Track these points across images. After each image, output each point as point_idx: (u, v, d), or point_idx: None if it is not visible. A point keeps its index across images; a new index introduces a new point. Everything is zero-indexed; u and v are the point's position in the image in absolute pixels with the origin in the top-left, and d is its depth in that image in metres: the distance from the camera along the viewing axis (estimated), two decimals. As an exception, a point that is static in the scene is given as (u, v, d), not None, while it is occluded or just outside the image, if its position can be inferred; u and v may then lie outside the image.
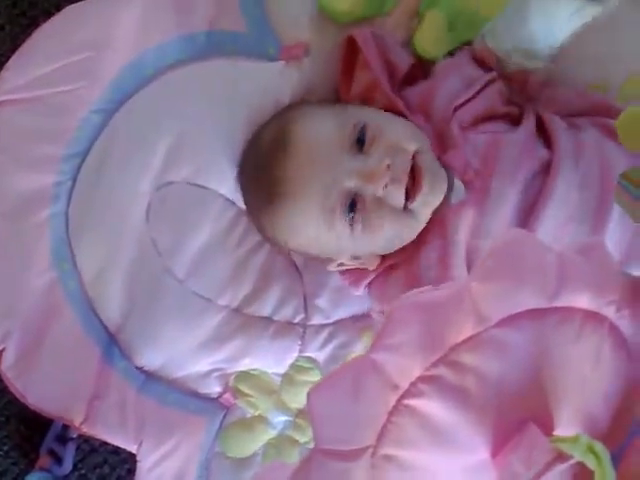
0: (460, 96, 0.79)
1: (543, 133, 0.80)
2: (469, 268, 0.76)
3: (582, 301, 0.51)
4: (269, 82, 0.85)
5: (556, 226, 0.75)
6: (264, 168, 0.78)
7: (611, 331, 0.53)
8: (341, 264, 0.82)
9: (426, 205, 0.76)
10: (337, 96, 0.87)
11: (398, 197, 0.75)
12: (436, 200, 0.77)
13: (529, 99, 0.85)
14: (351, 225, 0.75)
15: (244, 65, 0.86)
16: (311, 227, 0.77)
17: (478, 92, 0.80)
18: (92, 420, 0.85)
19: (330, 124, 0.77)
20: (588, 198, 0.76)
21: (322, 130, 0.77)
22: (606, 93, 0.85)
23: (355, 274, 0.83)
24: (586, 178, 0.76)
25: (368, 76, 0.83)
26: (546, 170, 0.77)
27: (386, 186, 0.74)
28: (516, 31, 0.82)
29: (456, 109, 0.79)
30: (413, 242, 0.78)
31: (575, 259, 0.51)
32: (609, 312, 0.53)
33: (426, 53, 0.85)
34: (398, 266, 0.80)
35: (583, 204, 0.76)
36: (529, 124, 0.79)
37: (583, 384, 0.52)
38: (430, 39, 0.85)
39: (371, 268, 0.81)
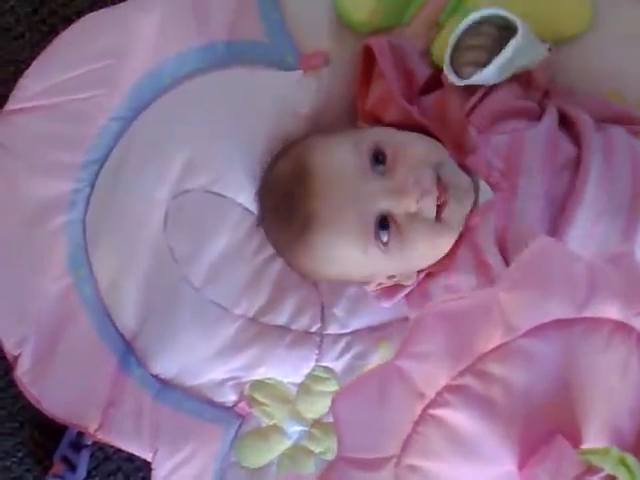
0: (468, 102, 0.79)
1: (569, 129, 0.79)
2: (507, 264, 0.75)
3: (611, 311, 0.50)
4: (287, 91, 0.85)
5: (588, 223, 0.74)
6: (288, 206, 0.77)
7: (639, 342, 0.53)
8: (379, 284, 0.81)
9: (457, 212, 0.76)
10: (355, 106, 0.86)
11: (430, 209, 0.74)
12: (466, 206, 0.76)
13: (546, 95, 0.84)
14: (385, 245, 0.74)
15: (262, 74, 0.86)
16: (346, 258, 0.76)
17: (487, 93, 0.79)
18: (107, 427, 0.84)
19: (345, 149, 0.76)
20: (621, 194, 0.74)
21: (339, 157, 0.76)
22: (623, 103, 0.84)
23: (387, 290, 0.82)
24: (618, 174, 0.75)
25: (384, 86, 0.82)
26: (574, 166, 0.76)
27: (418, 201, 0.73)
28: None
29: (469, 112, 0.78)
30: (447, 256, 0.78)
31: (604, 268, 0.50)
32: (637, 323, 0.52)
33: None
34: (435, 275, 0.79)
35: (615, 200, 0.74)
36: (551, 117, 0.78)
37: (610, 396, 0.52)
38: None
39: (408, 284, 0.80)
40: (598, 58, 0.85)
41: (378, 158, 0.75)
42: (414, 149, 0.76)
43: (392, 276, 0.80)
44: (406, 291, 0.81)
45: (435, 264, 0.79)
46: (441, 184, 0.74)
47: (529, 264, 0.48)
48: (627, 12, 0.85)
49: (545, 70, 0.82)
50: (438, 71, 0.84)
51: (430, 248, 0.76)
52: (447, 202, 0.74)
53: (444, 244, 0.77)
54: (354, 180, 0.74)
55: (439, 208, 0.74)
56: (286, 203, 0.77)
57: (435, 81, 0.84)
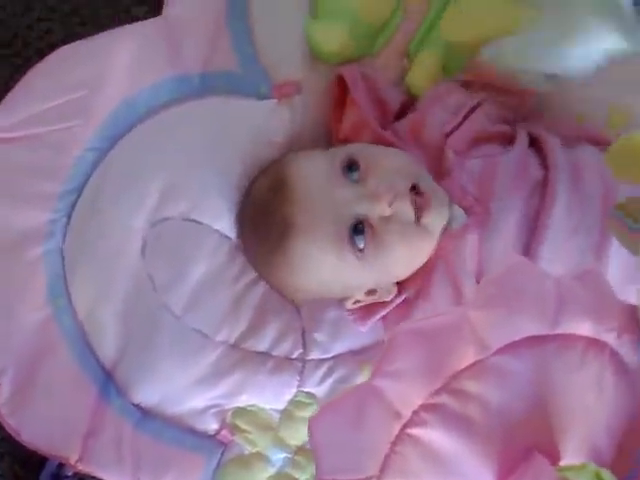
0: (449, 123, 0.80)
1: (537, 150, 0.81)
2: None
3: (583, 328, 0.51)
4: (261, 120, 0.86)
5: (559, 242, 0.75)
6: (265, 217, 0.78)
7: (612, 358, 0.53)
8: (357, 301, 0.81)
9: (437, 218, 0.76)
10: (329, 134, 0.88)
11: (407, 211, 0.75)
12: (445, 213, 0.77)
13: (523, 119, 0.86)
14: (361, 252, 0.75)
15: (237, 103, 0.86)
16: (324, 266, 0.77)
17: (465, 117, 0.81)
18: (88, 458, 0.83)
19: (320, 161, 0.78)
20: (592, 212, 0.76)
21: (314, 168, 0.78)
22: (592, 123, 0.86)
23: (363, 311, 0.83)
24: (588, 193, 0.77)
25: (357, 113, 0.84)
26: (543, 187, 0.77)
27: (391, 204, 0.74)
28: (539, 51, 0.81)
29: (447, 136, 0.80)
30: (424, 272, 0.78)
31: (573, 286, 0.51)
32: (609, 339, 0.53)
33: (421, 92, 0.87)
34: (413, 301, 0.80)
35: (587, 219, 0.76)
36: (522, 142, 0.80)
37: (587, 413, 0.52)
38: (426, 79, 0.87)
39: (388, 299, 0.80)
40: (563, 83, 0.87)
41: (351, 167, 0.76)
42: (388, 160, 0.77)
43: (371, 291, 0.80)
44: (382, 313, 0.81)
45: (412, 283, 0.79)
46: (418, 191, 0.75)
47: (499, 282, 0.49)
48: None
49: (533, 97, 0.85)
50: (412, 100, 0.86)
51: (407, 251, 0.76)
52: (428, 205, 0.75)
53: (421, 248, 0.77)
54: (328, 187, 0.76)
55: (419, 212, 0.75)
56: (263, 215, 0.79)
57: (407, 111, 0.86)
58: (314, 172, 0.78)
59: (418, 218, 0.75)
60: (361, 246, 0.75)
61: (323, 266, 0.77)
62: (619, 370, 0.53)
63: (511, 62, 0.82)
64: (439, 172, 0.79)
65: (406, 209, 0.75)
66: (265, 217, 0.78)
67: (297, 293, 0.84)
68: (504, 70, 0.83)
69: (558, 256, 0.75)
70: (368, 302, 0.82)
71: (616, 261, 0.74)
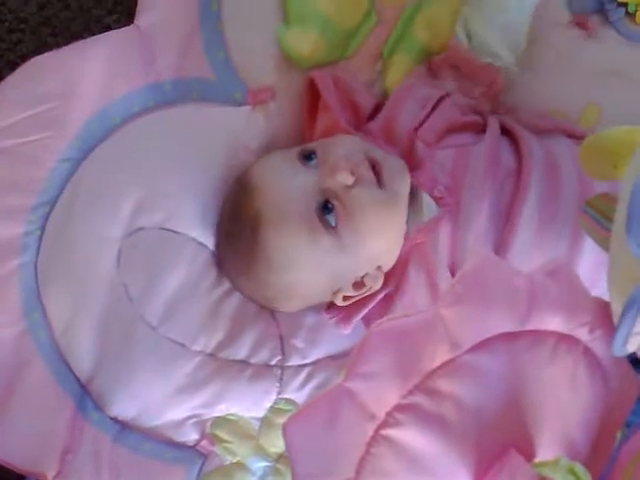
0: (418, 116, 0.80)
1: (510, 140, 0.81)
2: None
3: (554, 323, 0.51)
4: (236, 127, 0.86)
5: (532, 233, 0.75)
6: (235, 222, 0.78)
7: (585, 354, 0.54)
8: (346, 297, 0.80)
9: (398, 179, 0.76)
10: (304, 139, 0.88)
11: (368, 175, 0.75)
12: (405, 177, 0.77)
13: (493, 105, 0.86)
14: (334, 229, 0.75)
15: (211, 110, 0.87)
16: (301, 255, 0.76)
17: (433, 109, 0.81)
18: (66, 473, 0.82)
19: (279, 157, 0.80)
20: (567, 203, 0.76)
21: (275, 164, 0.79)
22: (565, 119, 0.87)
23: (345, 311, 0.82)
24: (563, 183, 0.77)
25: (329, 116, 0.84)
26: (516, 177, 0.77)
27: (352, 172, 0.74)
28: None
29: (418, 127, 0.80)
30: (400, 266, 0.78)
31: (544, 282, 0.51)
32: (582, 334, 0.53)
33: None
34: (391, 298, 0.80)
35: (562, 210, 0.76)
36: (493, 131, 0.80)
37: (560, 408, 0.52)
38: (400, 81, 0.87)
39: (377, 287, 0.79)
40: (535, 81, 0.88)
41: (309, 156, 0.77)
42: (341, 142, 0.78)
43: (359, 284, 0.79)
44: (364, 311, 0.81)
45: (391, 277, 0.79)
46: (373, 161, 0.76)
47: (469, 279, 0.49)
48: (562, 35, 0.88)
49: (501, 85, 0.85)
50: (385, 102, 0.86)
51: (379, 218, 0.75)
52: (385, 169, 0.76)
53: (392, 214, 0.76)
54: (290, 176, 0.76)
55: (377, 174, 0.75)
56: (233, 220, 0.79)
57: (380, 111, 0.86)
58: (275, 167, 0.79)
59: (380, 182, 0.75)
60: (333, 223, 0.74)
61: (301, 255, 0.76)
62: (592, 365, 0.54)
63: (478, 27, 0.83)
64: (412, 167, 0.79)
65: (367, 173, 0.75)
66: (235, 222, 0.79)
67: (277, 297, 0.82)
68: (474, 47, 0.84)
69: (531, 247, 0.76)
70: (358, 297, 0.80)
71: (589, 254, 0.75)
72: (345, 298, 0.80)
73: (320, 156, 0.77)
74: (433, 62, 0.86)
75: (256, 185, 0.78)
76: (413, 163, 0.79)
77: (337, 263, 0.77)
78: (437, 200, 0.77)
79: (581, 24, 0.88)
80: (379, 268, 0.79)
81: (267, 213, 0.76)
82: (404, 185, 0.77)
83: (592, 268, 0.72)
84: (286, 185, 0.76)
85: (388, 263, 0.79)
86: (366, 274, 0.79)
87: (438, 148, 0.79)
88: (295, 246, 0.76)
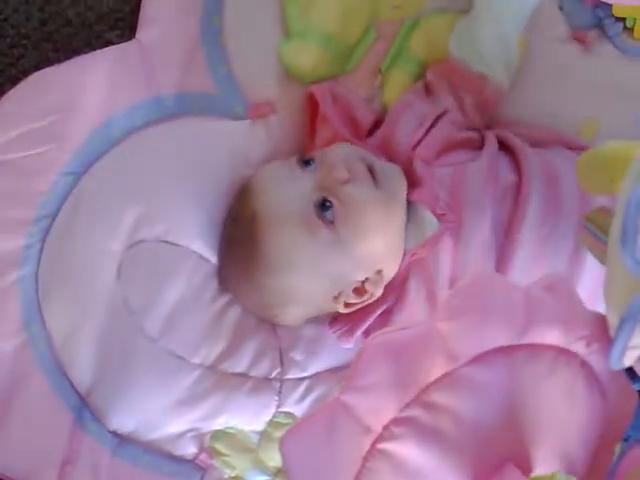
0: (415, 134, 0.81)
1: (508, 154, 0.81)
2: None
3: (552, 337, 0.51)
4: (237, 140, 0.87)
5: (533, 246, 0.75)
6: (234, 227, 0.79)
7: (582, 367, 0.53)
8: (348, 304, 0.79)
9: (393, 180, 0.77)
10: (303, 151, 0.88)
11: (364, 173, 0.76)
12: (401, 179, 0.78)
13: (488, 118, 0.86)
14: (332, 223, 0.75)
15: (212, 124, 0.87)
16: (300, 254, 0.76)
17: (431, 127, 0.82)
18: (64, 486, 0.82)
19: (277, 165, 0.81)
20: (568, 216, 0.76)
21: (274, 169, 0.80)
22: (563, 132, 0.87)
23: (345, 326, 0.81)
24: (563, 196, 0.77)
25: (329, 129, 0.84)
26: (516, 191, 0.77)
27: (347, 169, 0.75)
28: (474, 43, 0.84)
29: (416, 146, 0.80)
30: (400, 280, 0.78)
31: (542, 295, 0.51)
32: (579, 348, 0.53)
33: None
34: (391, 311, 0.80)
35: (563, 223, 0.76)
36: (490, 147, 0.81)
37: (558, 423, 0.52)
38: (398, 96, 0.87)
39: (378, 294, 0.79)
40: (533, 96, 0.88)
41: (308, 162, 0.78)
42: (338, 148, 0.79)
43: (360, 290, 0.78)
44: (367, 323, 0.80)
45: (391, 290, 0.78)
46: (369, 165, 0.77)
47: (467, 292, 0.49)
48: (560, 50, 0.88)
49: (496, 102, 0.85)
50: (384, 117, 0.86)
51: (377, 217, 0.75)
52: (380, 171, 0.77)
53: (390, 213, 0.76)
54: (288, 178, 0.77)
55: (373, 175, 0.76)
56: (233, 220, 0.81)
57: (379, 128, 0.86)
58: (274, 171, 0.80)
59: (376, 182, 0.76)
60: (330, 218, 0.75)
61: (299, 254, 0.76)
62: (590, 379, 0.53)
63: (472, 37, 0.83)
64: (411, 184, 0.79)
65: (363, 171, 0.76)
66: (234, 224, 0.80)
67: (287, 306, 0.81)
68: (466, 56, 0.84)
69: (532, 262, 0.75)
70: (360, 304, 0.79)
71: (590, 269, 0.75)
72: (347, 305, 0.79)
73: (318, 160, 0.78)
74: (427, 77, 0.87)
75: (254, 188, 0.79)
76: (413, 180, 0.79)
77: (336, 262, 0.76)
78: (439, 217, 0.77)
79: (579, 39, 0.88)
80: (379, 272, 0.78)
81: (264, 212, 0.76)
82: (400, 187, 0.78)
83: (594, 284, 0.72)
84: (284, 187, 0.77)
85: (388, 270, 0.79)
86: (366, 279, 0.78)
87: (436, 166, 0.80)
88: (293, 244, 0.76)
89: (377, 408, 0.47)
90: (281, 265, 0.77)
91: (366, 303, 0.79)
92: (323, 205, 0.75)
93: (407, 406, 0.48)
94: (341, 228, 0.75)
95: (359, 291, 0.79)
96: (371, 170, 0.77)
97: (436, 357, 0.48)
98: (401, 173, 0.79)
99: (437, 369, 0.48)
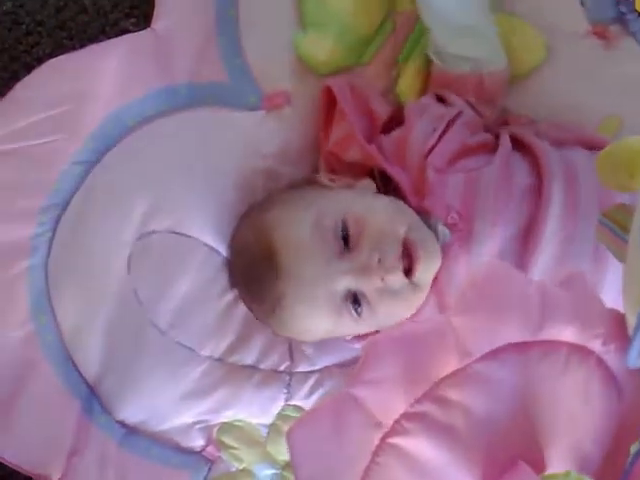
0: (428, 141, 0.79)
1: (526, 154, 0.79)
2: None
3: (567, 334, 0.50)
4: (250, 131, 0.86)
5: (555, 250, 0.74)
6: (258, 286, 0.77)
7: (598, 365, 0.52)
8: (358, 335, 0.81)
9: (427, 272, 0.76)
10: (317, 145, 0.87)
11: (398, 282, 0.74)
12: (435, 264, 0.76)
13: (504, 124, 0.85)
14: (359, 314, 0.75)
15: (226, 114, 0.86)
16: (320, 330, 0.78)
17: (443, 133, 0.80)
18: (71, 476, 0.82)
19: (308, 224, 0.75)
20: (588, 220, 0.74)
21: (303, 235, 0.75)
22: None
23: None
24: (583, 198, 0.75)
25: (345, 127, 0.83)
26: (535, 193, 0.76)
27: (383, 278, 0.73)
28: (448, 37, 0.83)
29: (428, 153, 0.79)
30: None
31: (557, 292, 0.50)
32: (595, 346, 0.52)
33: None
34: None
35: (583, 227, 0.74)
36: (504, 151, 0.79)
37: (573, 421, 0.51)
38: (414, 87, 0.87)
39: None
40: (554, 92, 0.87)
41: (342, 234, 0.74)
42: (379, 220, 0.75)
43: None
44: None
45: None
46: (408, 245, 0.74)
47: (481, 288, 0.48)
48: (580, 46, 0.87)
49: (501, 87, 0.84)
50: (401, 110, 0.85)
51: (403, 309, 0.77)
52: (418, 263, 0.74)
53: (417, 302, 0.77)
54: (320, 260, 0.74)
55: (410, 272, 0.74)
56: (256, 284, 0.78)
57: (396, 120, 0.85)
58: (303, 241, 0.74)
59: (411, 276, 0.75)
60: (358, 312, 0.75)
61: (319, 330, 0.78)
62: (606, 378, 0.52)
63: (441, 40, 0.82)
64: (423, 191, 0.78)
65: (396, 280, 0.74)
66: (258, 284, 0.78)
67: (306, 338, 0.84)
68: (449, 62, 0.83)
69: (553, 266, 0.74)
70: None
71: (614, 269, 0.73)
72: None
73: (353, 235, 0.74)
74: (431, 91, 0.86)
75: (283, 258, 0.74)
76: (425, 189, 0.78)
77: (355, 330, 0.79)
78: (450, 226, 0.76)
79: (600, 34, 0.87)
80: None
81: (293, 295, 0.75)
82: (431, 273, 0.76)
83: (617, 282, 0.71)
84: (317, 271, 0.74)
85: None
86: None
87: (449, 174, 0.78)
88: (317, 325, 0.77)
89: (387, 402, 0.46)
90: (298, 332, 0.80)
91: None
92: (353, 302, 0.75)
93: (418, 401, 0.47)
94: (366, 317, 0.75)
95: None
96: (408, 251, 0.74)
97: (449, 352, 0.47)
98: (436, 244, 0.76)
99: (450, 364, 0.47)
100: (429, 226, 0.77)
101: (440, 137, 0.79)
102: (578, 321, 0.50)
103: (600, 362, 0.52)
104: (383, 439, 0.47)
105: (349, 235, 0.74)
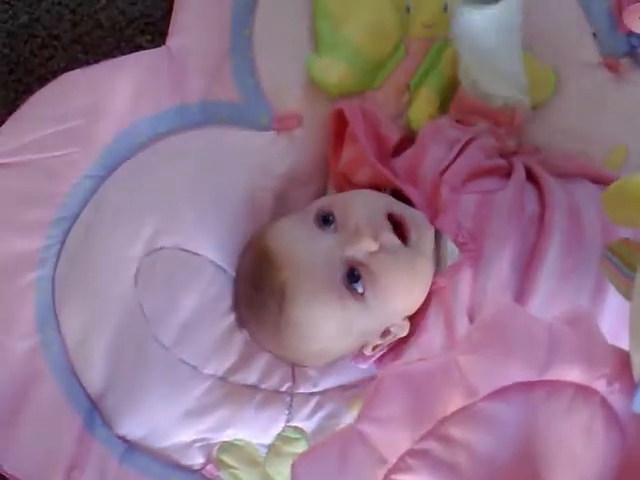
0: (444, 160, 0.80)
1: (534, 184, 0.80)
2: None
3: (572, 374, 0.50)
4: (260, 151, 0.87)
5: (554, 281, 0.74)
6: (258, 290, 0.77)
7: (602, 406, 0.52)
8: (376, 346, 0.79)
9: (422, 235, 0.76)
10: (327, 167, 0.88)
11: (391, 238, 0.74)
12: (429, 232, 0.76)
13: (518, 142, 0.86)
14: (362, 294, 0.74)
15: (236, 134, 0.87)
16: (330, 322, 0.75)
17: (459, 153, 0.80)
18: (70, 490, 0.82)
19: (295, 222, 0.77)
20: (590, 253, 0.74)
21: (292, 230, 0.77)
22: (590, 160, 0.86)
23: (361, 351, 0.80)
24: (586, 230, 0.76)
25: (356, 148, 0.83)
26: (538, 223, 0.76)
27: (375, 237, 0.73)
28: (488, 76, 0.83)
29: (444, 171, 0.79)
30: (418, 311, 0.77)
31: (564, 331, 0.51)
32: (600, 386, 0.52)
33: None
34: (407, 339, 0.79)
35: (584, 259, 0.74)
36: (518, 178, 0.79)
37: (575, 461, 0.51)
38: (425, 114, 0.87)
39: (403, 334, 0.78)
40: (562, 121, 0.87)
41: (327, 219, 0.75)
42: (360, 202, 0.77)
43: (386, 332, 0.78)
44: (382, 351, 0.80)
45: (410, 319, 0.78)
46: (395, 218, 0.75)
47: (489, 326, 0.48)
48: (590, 77, 0.87)
49: (524, 122, 0.84)
50: (411, 135, 0.86)
51: (405, 277, 0.74)
52: (408, 226, 0.75)
53: (418, 271, 0.75)
54: (311, 243, 0.74)
55: (403, 235, 0.74)
56: (255, 290, 0.77)
57: (405, 145, 0.85)
58: (293, 233, 0.76)
59: (404, 241, 0.75)
60: (360, 290, 0.73)
61: (329, 322, 0.75)
62: (609, 418, 0.52)
63: (480, 76, 0.83)
64: (435, 209, 0.78)
65: (390, 237, 0.74)
66: (258, 292, 0.77)
67: (314, 359, 0.81)
68: (481, 95, 0.83)
69: (552, 297, 0.74)
70: (385, 344, 0.79)
71: (613, 304, 0.73)
72: (373, 348, 0.79)
73: (339, 219, 0.75)
74: (452, 114, 0.86)
75: (277, 254, 0.75)
76: (437, 207, 0.78)
77: (364, 324, 0.76)
78: (460, 246, 0.76)
79: (611, 66, 0.88)
80: (406, 318, 0.78)
81: (293, 286, 0.74)
82: (428, 239, 0.76)
83: (616, 320, 0.71)
84: (308, 255, 0.74)
85: (413, 311, 0.78)
86: (392, 324, 0.78)
87: (463, 193, 0.78)
88: (324, 317, 0.75)
89: (393, 439, 0.47)
90: (310, 335, 0.76)
91: (390, 342, 0.79)
92: (351, 276, 0.73)
93: (423, 438, 0.47)
94: (370, 297, 0.74)
95: (384, 334, 0.78)
96: (398, 223, 0.75)
97: (454, 390, 0.47)
98: (426, 221, 0.77)
99: (455, 403, 0.47)
100: (440, 244, 0.77)
101: (456, 157, 0.80)
102: (584, 361, 0.50)
103: (604, 402, 0.52)
104: (387, 475, 0.47)
105: (335, 218, 0.75)
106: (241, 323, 0.84)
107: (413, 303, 0.77)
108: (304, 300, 0.74)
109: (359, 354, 0.81)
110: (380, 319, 0.76)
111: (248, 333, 0.84)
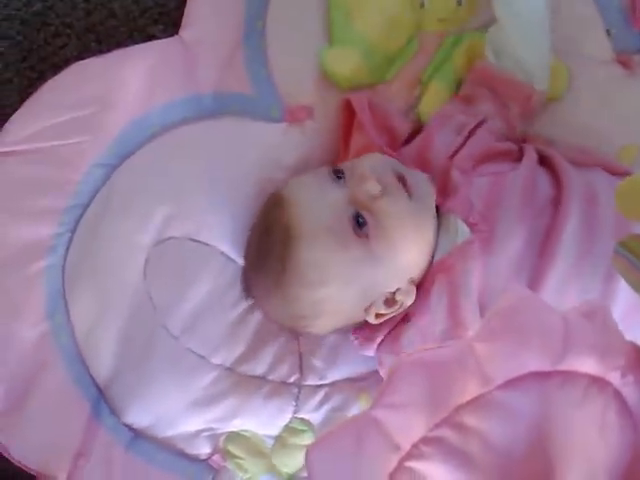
0: (453, 144, 0.80)
1: (548, 169, 0.80)
2: (482, 311, 0.73)
3: (587, 365, 0.50)
4: (271, 143, 0.87)
5: (569, 266, 0.74)
6: (266, 234, 0.77)
7: (615, 397, 0.52)
8: (378, 315, 0.77)
9: (425, 189, 0.76)
10: (338, 159, 0.88)
11: (396, 185, 0.75)
12: (431, 187, 0.77)
13: (528, 131, 0.85)
14: (367, 236, 0.73)
15: (248, 125, 0.87)
16: (334, 267, 0.74)
17: (468, 137, 0.80)
18: (76, 478, 0.82)
19: (308, 177, 0.79)
20: (603, 239, 0.74)
21: (305, 182, 0.78)
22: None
23: (366, 332, 0.80)
24: (601, 217, 0.75)
25: (364, 138, 0.84)
26: (554, 206, 0.76)
27: (379, 181, 0.74)
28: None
29: (453, 155, 0.79)
30: (424, 286, 0.77)
31: (580, 322, 0.51)
32: (614, 378, 0.52)
33: None
34: (408, 320, 0.77)
35: (598, 244, 0.74)
36: (530, 159, 0.79)
37: (589, 451, 0.51)
38: (436, 108, 0.87)
39: (409, 302, 0.77)
40: (574, 116, 0.87)
41: (339, 175, 0.77)
42: (367, 159, 0.78)
43: (391, 302, 0.77)
44: (384, 332, 0.78)
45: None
46: (398, 175, 0.76)
47: (505, 315, 0.48)
48: (603, 73, 0.87)
49: (538, 107, 0.84)
50: (421, 128, 0.86)
51: (409, 227, 0.74)
52: (411, 180, 0.75)
53: (424, 223, 0.76)
54: (320, 191, 0.76)
55: (404, 185, 0.75)
56: (265, 231, 0.78)
57: (415, 138, 0.85)
58: (306, 183, 0.78)
59: (408, 193, 0.75)
60: (365, 232, 0.73)
61: (332, 268, 0.74)
62: (622, 410, 0.52)
63: (508, 44, 0.82)
64: (446, 193, 0.78)
65: (394, 183, 0.75)
66: (266, 236, 0.77)
67: (317, 317, 0.79)
68: (505, 66, 0.83)
69: (566, 283, 0.74)
70: (391, 314, 0.77)
71: (625, 294, 0.73)
72: (377, 316, 0.77)
73: (348, 172, 0.76)
74: (466, 86, 0.86)
75: (287, 200, 0.77)
76: (448, 190, 0.78)
77: (369, 275, 0.75)
78: (471, 226, 0.76)
79: (624, 62, 0.87)
80: (411, 281, 0.77)
81: (298, 226, 0.74)
82: (431, 197, 0.77)
83: (628, 309, 0.71)
84: (317, 200, 0.75)
85: (418, 276, 0.77)
86: (398, 289, 0.77)
87: (474, 175, 0.78)
88: (327, 259, 0.74)
89: (407, 426, 0.47)
90: (314, 279, 0.75)
91: (396, 313, 0.77)
92: (357, 220, 0.73)
93: (437, 426, 0.47)
94: (375, 242, 0.73)
95: (389, 302, 0.77)
96: (402, 180, 0.76)
97: (470, 378, 0.47)
98: (429, 182, 0.78)
99: (470, 391, 0.47)
100: (450, 225, 0.77)
101: (465, 140, 0.80)
102: (599, 353, 0.50)
103: (617, 394, 0.52)
104: (401, 462, 0.47)
105: (344, 174, 0.76)
106: (247, 284, 0.83)
107: (417, 259, 0.76)
108: (308, 240, 0.74)
109: (362, 332, 0.80)
110: (385, 272, 0.75)
111: (252, 292, 0.83)
